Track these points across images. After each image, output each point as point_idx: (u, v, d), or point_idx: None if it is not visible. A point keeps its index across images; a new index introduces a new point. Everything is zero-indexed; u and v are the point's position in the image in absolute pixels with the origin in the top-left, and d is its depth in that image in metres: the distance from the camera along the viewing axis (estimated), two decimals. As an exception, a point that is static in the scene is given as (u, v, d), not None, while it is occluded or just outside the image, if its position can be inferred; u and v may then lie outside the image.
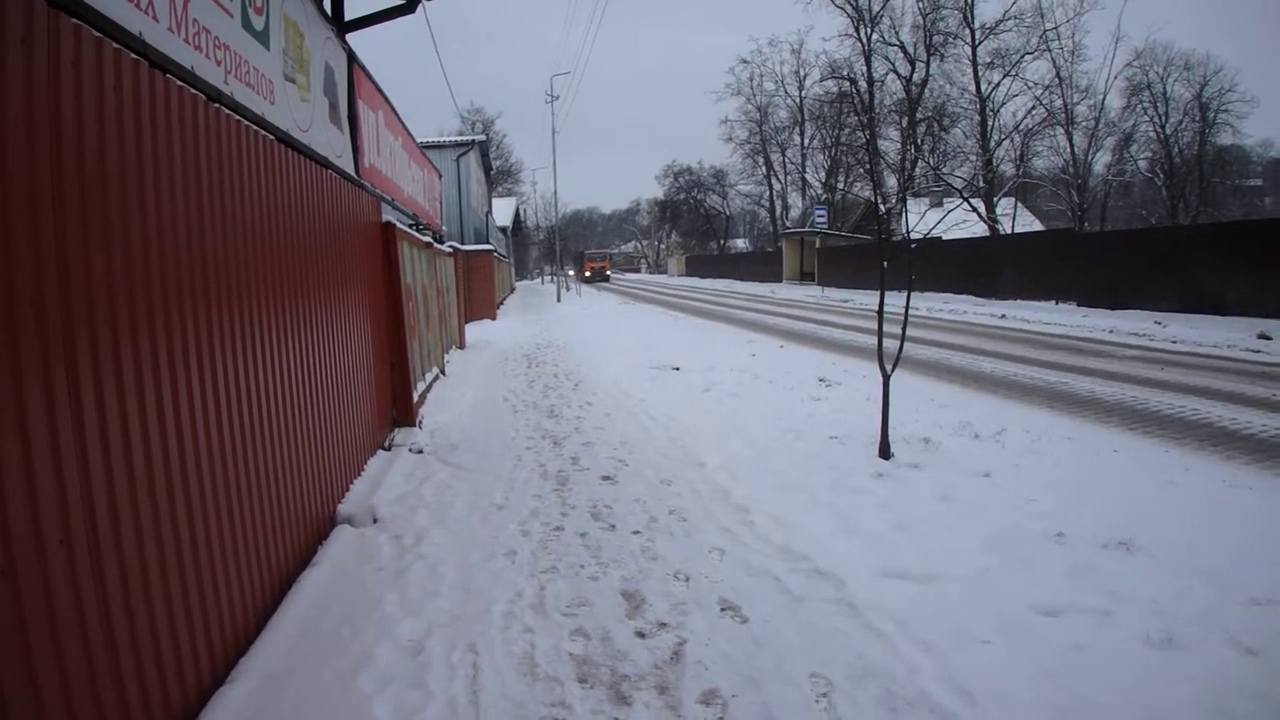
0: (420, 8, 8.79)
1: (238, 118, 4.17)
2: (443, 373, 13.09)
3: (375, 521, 5.80)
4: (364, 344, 7.27)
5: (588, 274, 74.36)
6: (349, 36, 7.59)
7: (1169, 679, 3.40)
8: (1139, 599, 4.13)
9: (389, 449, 7.89)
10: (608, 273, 77.77)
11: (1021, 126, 44.84)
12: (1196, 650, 3.62)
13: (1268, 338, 14.58)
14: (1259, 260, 17.61)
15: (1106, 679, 3.44)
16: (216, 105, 3.87)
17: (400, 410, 8.86)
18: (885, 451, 6.91)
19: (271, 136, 4.76)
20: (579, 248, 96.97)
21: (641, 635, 4.03)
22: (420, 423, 9.09)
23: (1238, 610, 3.98)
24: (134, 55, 3.00)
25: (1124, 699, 3.28)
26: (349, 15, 8.03)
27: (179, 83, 3.42)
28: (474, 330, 20.97)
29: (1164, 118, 46.06)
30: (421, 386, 10.34)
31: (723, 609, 4.29)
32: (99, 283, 2.70)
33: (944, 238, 26.80)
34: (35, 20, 2.39)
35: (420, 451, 7.84)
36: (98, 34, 2.74)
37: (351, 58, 7.29)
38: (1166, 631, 3.74)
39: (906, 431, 7.53)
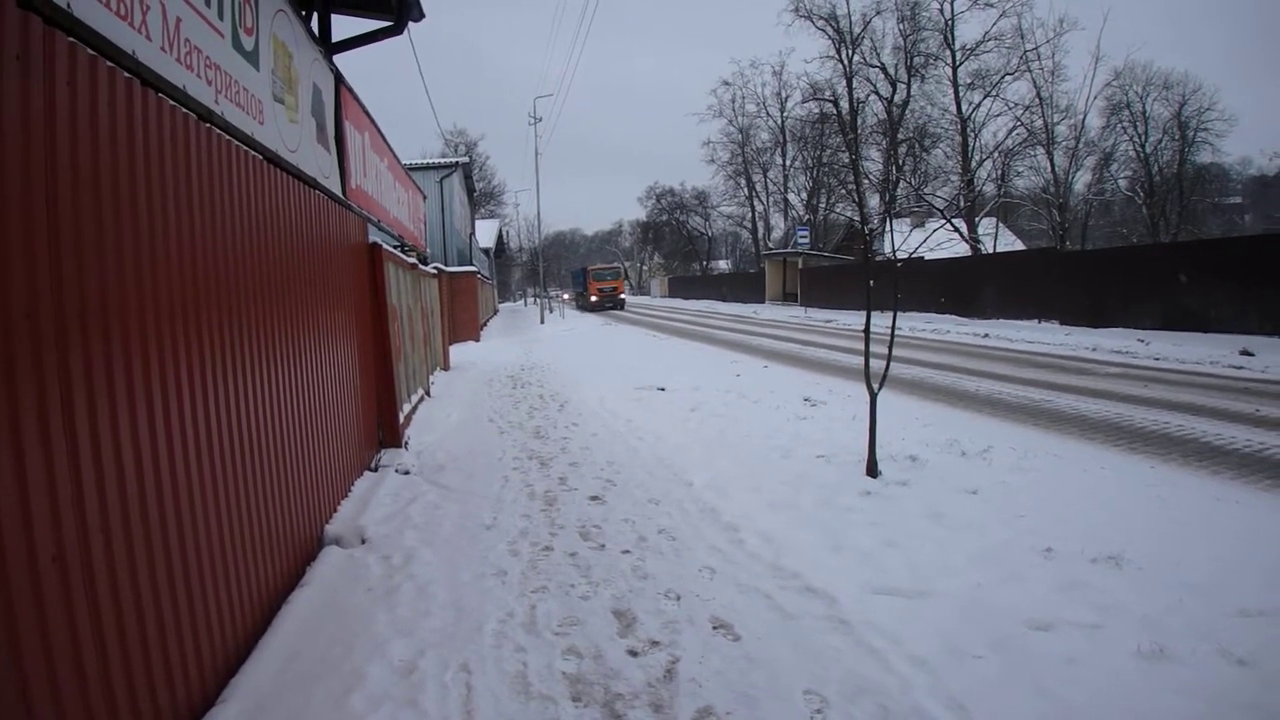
0: (407, 30, 8.81)
1: (228, 138, 4.17)
2: (428, 394, 13.06)
3: (364, 542, 5.76)
4: (350, 364, 7.24)
5: (594, 298, 55.42)
6: (336, 58, 7.60)
7: (1162, 691, 3.43)
8: (1129, 612, 4.16)
9: (376, 470, 7.86)
10: (622, 297, 57.41)
11: (1002, 146, 45.28)
12: (1188, 662, 3.65)
13: (1250, 354, 14.69)
14: (1240, 277, 17.76)
15: (1100, 692, 3.45)
16: (208, 125, 3.87)
17: (386, 431, 8.83)
18: (873, 469, 6.92)
19: (261, 157, 4.76)
20: (580, 264, 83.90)
21: (634, 654, 4.01)
22: (407, 444, 9.06)
23: (1228, 622, 4.01)
24: (127, 74, 3.00)
25: (1118, 711, 3.30)
26: (336, 37, 8.06)
27: (171, 102, 3.42)
28: (458, 352, 20.92)
29: (1144, 136, 46.47)
30: (407, 408, 10.32)
31: (715, 627, 4.28)
32: (92, 301, 2.69)
33: (926, 258, 27.02)
34: (31, 37, 2.40)
35: (407, 472, 7.81)
36: (92, 52, 2.75)
37: (339, 79, 7.30)
38: (1158, 644, 3.77)
39: (893, 449, 7.55)
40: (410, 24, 8.87)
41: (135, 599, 2.85)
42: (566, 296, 71.99)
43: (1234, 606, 4.17)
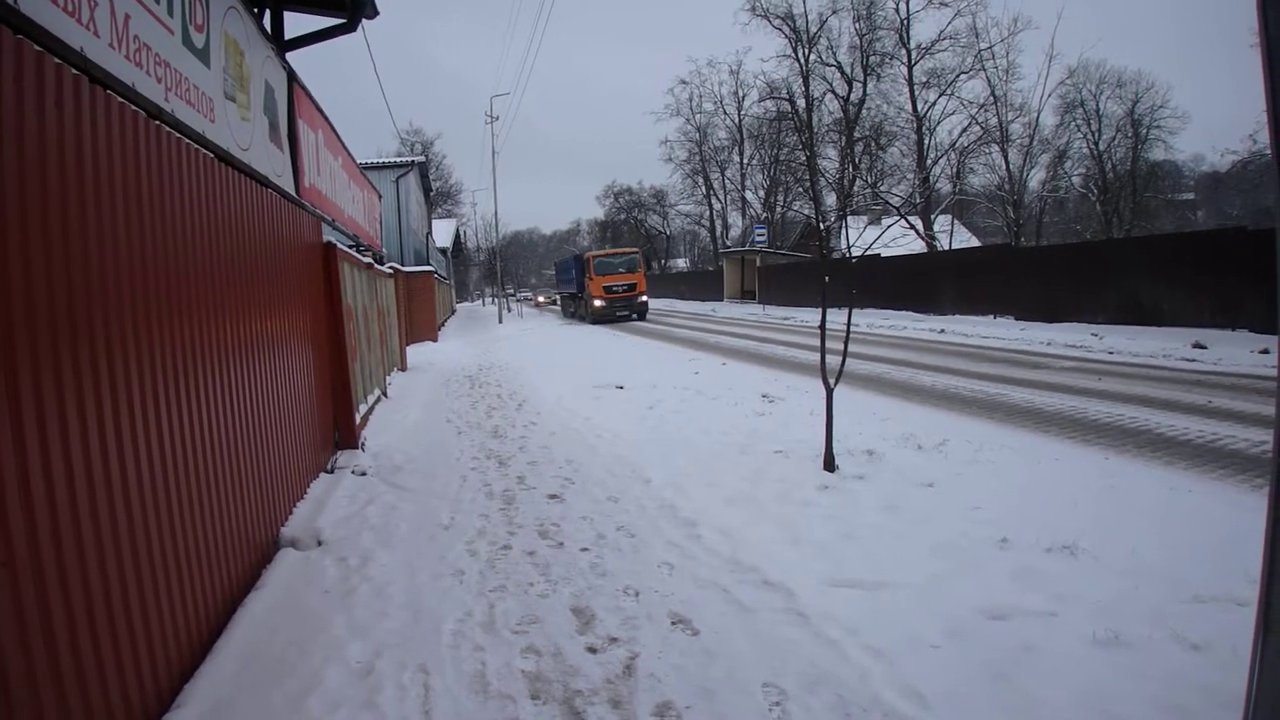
0: (360, 27, 8.74)
1: (178, 135, 4.12)
2: (384, 395, 12.97)
3: (320, 544, 5.72)
4: (305, 366, 7.17)
5: (598, 303, 35.62)
6: (289, 55, 7.53)
7: (1118, 676, 3.50)
8: (1085, 600, 4.23)
9: (332, 471, 7.79)
10: (644, 299, 36.53)
11: (957, 144, 45.82)
12: (1143, 648, 3.72)
13: (1202, 346, 14.93)
14: (1193, 271, 17.97)
15: (1056, 678, 3.51)
16: (157, 123, 3.82)
17: (342, 433, 8.76)
18: (830, 464, 6.99)
19: (212, 155, 4.70)
20: (541, 261, 77.79)
21: (593, 650, 4.02)
22: (363, 445, 8.99)
23: (1182, 608, 4.09)
24: (75, 71, 2.96)
25: (1075, 697, 3.37)
26: (289, 34, 7.98)
27: (120, 99, 3.38)
28: (415, 352, 20.79)
29: (1097, 134, 47.01)
30: (364, 409, 10.24)
31: (674, 622, 4.30)
32: (40, 303, 2.65)
33: (883, 255, 27.20)
34: (-25, 34, 2.36)
35: (364, 474, 7.75)
36: (39, 49, 2.70)
37: (292, 77, 7.23)
38: (1113, 630, 3.84)
39: (850, 444, 7.62)
40: (364, 21, 8.81)
41: (88, 606, 2.81)
42: (540, 299, 67.16)
43: (1188, 593, 4.26)
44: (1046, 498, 6.04)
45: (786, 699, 3.49)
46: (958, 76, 44.69)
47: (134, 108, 3.54)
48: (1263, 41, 2.01)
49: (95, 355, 3.02)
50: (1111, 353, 15.51)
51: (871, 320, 25.90)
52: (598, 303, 35.58)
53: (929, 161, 46.01)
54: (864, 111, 49.21)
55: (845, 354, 7.41)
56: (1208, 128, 71.92)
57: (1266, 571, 2.14)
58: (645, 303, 36.72)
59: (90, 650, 2.80)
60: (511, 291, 74.66)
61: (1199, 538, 5.09)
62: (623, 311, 35.82)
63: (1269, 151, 2.04)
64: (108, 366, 3.12)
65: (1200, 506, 5.82)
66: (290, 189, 6.99)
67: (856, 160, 48.15)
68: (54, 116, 2.79)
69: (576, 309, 41.02)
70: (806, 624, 4.18)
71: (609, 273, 36.23)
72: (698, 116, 64.91)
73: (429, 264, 34.96)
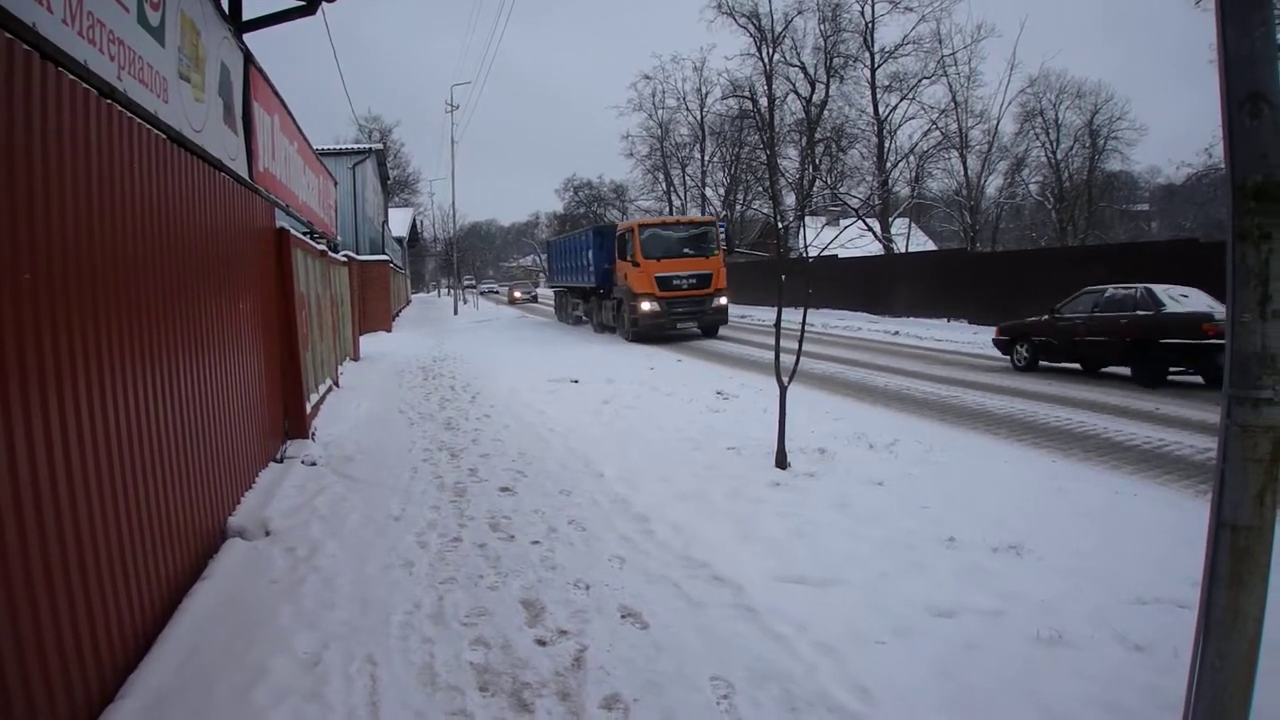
0: (320, 9, 8.63)
1: (130, 115, 4.04)
2: (336, 384, 12.83)
3: (267, 534, 5.65)
4: (255, 353, 7.07)
5: (648, 307, 21.21)
6: (246, 37, 7.41)
7: (1060, 674, 3.58)
8: (1029, 599, 4.32)
9: (281, 461, 7.69)
10: (722, 301, 21.97)
11: (917, 149, 46.12)
12: (1086, 647, 3.81)
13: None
14: (1145, 280, 18.25)
15: (1000, 675, 3.58)
16: (109, 101, 3.75)
17: (293, 422, 8.65)
18: (782, 461, 7.04)
19: (164, 136, 4.61)
20: (498, 254, 73.95)
21: (542, 643, 4.03)
22: (313, 435, 8.89)
23: (1124, 609, 4.20)
24: (26, 46, 2.90)
25: (1017, 694, 3.44)
26: (247, 15, 7.85)
27: (71, 76, 3.31)
28: (369, 342, 20.60)
29: (1055, 143, 47.51)
30: (315, 398, 10.12)
31: (623, 616, 4.32)
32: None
33: (840, 256, 27.39)
34: (-79, 6, 2.30)
35: (314, 464, 7.66)
36: (-11, 23, 2.64)
37: (248, 58, 7.12)
38: (1056, 630, 3.92)
39: (803, 442, 7.69)
40: (324, 4, 8.70)
41: (29, 596, 2.75)
42: (517, 295, 60.38)
43: (1130, 594, 4.37)
44: (994, 498, 6.15)
45: (734, 692, 3.53)
46: (920, 81, 44.93)
47: (85, 85, 3.47)
48: (1221, 58, 2.07)
49: (40, 337, 2.96)
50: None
51: (827, 320, 26.10)
52: (646, 305, 21.50)
53: (888, 164, 46.33)
54: (826, 113, 49.32)
55: (799, 353, 7.48)
56: (1164, 141, 73.38)
57: (1208, 576, 2.20)
58: (725, 307, 22.60)
59: (32, 639, 2.74)
60: (471, 282, 73.77)
61: (1142, 541, 5.21)
62: (686, 321, 22.26)
63: (1224, 166, 2.10)
64: (52, 349, 3.05)
65: (1144, 510, 5.96)
66: (244, 173, 6.89)
67: (817, 161, 48.30)
68: (3, 93, 2.72)
69: (594, 313, 26.60)
70: (755, 619, 4.22)
71: (667, 254, 21.83)
72: (660, 112, 64.54)
73: (384, 253, 34.55)
